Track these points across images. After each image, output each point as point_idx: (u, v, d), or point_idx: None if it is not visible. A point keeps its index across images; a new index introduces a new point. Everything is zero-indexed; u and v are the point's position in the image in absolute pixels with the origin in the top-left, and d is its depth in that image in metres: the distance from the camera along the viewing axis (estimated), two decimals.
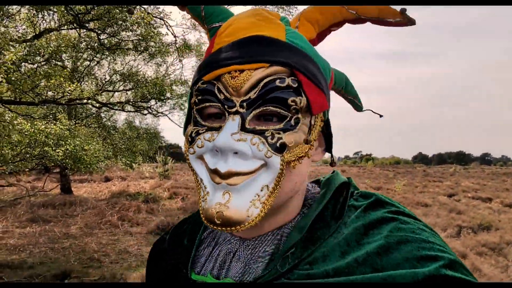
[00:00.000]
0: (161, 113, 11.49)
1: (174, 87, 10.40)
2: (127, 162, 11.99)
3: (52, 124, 6.11)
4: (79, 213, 9.12)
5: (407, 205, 10.82)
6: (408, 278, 0.49)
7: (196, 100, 0.58)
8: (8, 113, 5.77)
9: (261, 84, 0.54)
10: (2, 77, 4.76)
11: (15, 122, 5.37)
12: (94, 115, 11.87)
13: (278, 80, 0.54)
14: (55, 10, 6.67)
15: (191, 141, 0.58)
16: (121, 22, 7.71)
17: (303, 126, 0.56)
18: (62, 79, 6.23)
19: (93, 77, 11.28)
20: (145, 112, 11.41)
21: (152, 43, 8.73)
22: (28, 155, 5.87)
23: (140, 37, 8.38)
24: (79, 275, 4.89)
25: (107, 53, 8.96)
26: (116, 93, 12.12)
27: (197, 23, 0.70)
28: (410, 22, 0.62)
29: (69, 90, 6.41)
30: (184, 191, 12.66)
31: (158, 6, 8.10)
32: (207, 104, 0.57)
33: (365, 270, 0.52)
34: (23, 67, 6.07)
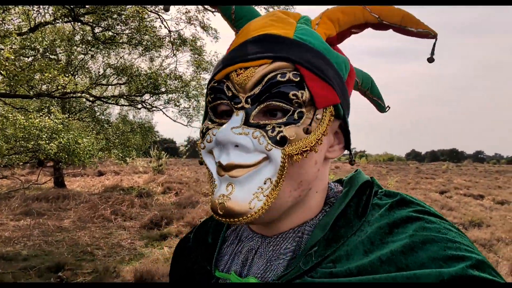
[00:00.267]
0: (155, 107, 11.46)
1: (168, 81, 10.37)
2: (121, 156, 11.99)
3: (46, 118, 6.12)
4: (72, 206, 9.15)
5: None
6: (433, 278, 0.48)
7: (210, 99, 0.61)
8: (2, 107, 5.77)
9: (265, 80, 0.55)
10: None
11: (10, 115, 5.38)
12: (87, 109, 11.84)
13: (279, 75, 0.55)
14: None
15: (202, 136, 0.61)
16: (116, 15, 7.70)
17: (307, 120, 0.56)
18: (56, 72, 6.23)
19: (87, 70, 11.25)
20: (139, 106, 11.38)
21: (147, 37, 8.71)
22: (22, 149, 5.88)
23: (134, 31, 8.36)
24: (73, 267, 4.93)
25: (101, 46, 8.94)
26: (110, 87, 12.08)
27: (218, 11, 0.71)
28: (432, 35, 0.62)
29: (63, 83, 6.41)
30: (178, 186, 12.69)
31: None
32: (219, 102, 0.59)
33: (389, 269, 0.51)
34: (18, 61, 6.06)
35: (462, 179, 20.97)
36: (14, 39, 5.39)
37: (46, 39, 6.70)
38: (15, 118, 5.42)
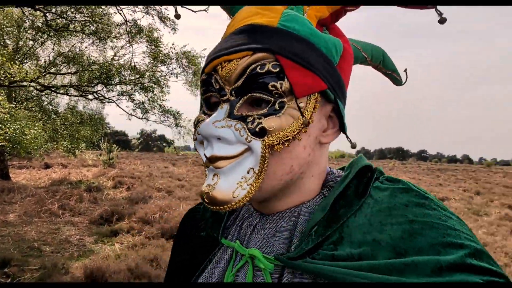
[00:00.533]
0: (108, 99, 11.12)
1: (123, 72, 10.09)
2: (69, 148, 11.55)
3: None
4: (18, 200, 8.69)
5: None
6: (431, 265, 0.49)
7: (202, 91, 0.63)
8: None
9: (247, 71, 0.56)
10: None
11: None
12: (34, 98, 11.29)
13: (259, 67, 0.56)
14: None
15: (194, 128, 0.63)
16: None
17: (290, 110, 0.56)
18: (4, 59, 5.94)
19: (35, 58, 10.71)
20: (91, 97, 11.01)
21: (101, 26, 8.45)
22: None
23: (88, 18, 8.08)
24: (19, 263, 4.74)
25: (52, 33, 8.55)
26: (58, 76, 11.57)
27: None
28: (431, 5, 0.62)
29: (12, 71, 6.12)
30: (129, 181, 12.39)
31: None
32: (209, 94, 0.61)
33: (388, 254, 0.52)
34: None
35: (407, 176, 22.14)
36: None
37: None
38: None
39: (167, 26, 9.65)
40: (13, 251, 5.33)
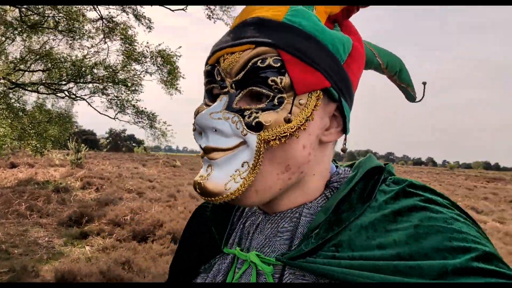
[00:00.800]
0: (80, 97, 10.83)
1: (95, 71, 9.86)
2: (37, 147, 11.19)
3: None
4: None
5: None
6: (436, 269, 0.48)
7: (204, 82, 0.62)
8: None
9: (248, 65, 0.56)
10: None
11: None
12: (1, 95, 10.88)
13: (260, 61, 0.55)
14: None
15: (194, 118, 0.62)
16: None
17: (288, 106, 0.55)
18: None
19: (4, 54, 10.32)
20: (62, 95, 10.70)
21: (77, 24, 8.25)
22: None
23: (61, 14, 7.86)
24: None
25: (23, 30, 8.28)
26: (26, 73, 11.19)
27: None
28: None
29: None
30: (98, 181, 12.15)
31: None
32: (211, 85, 0.61)
33: (391, 259, 0.51)
34: None
35: None
36: None
37: None
38: None
39: (142, 24, 9.54)
40: None
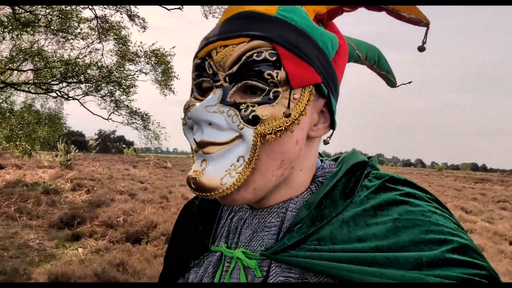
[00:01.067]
0: (72, 97, 10.66)
1: (88, 71, 9.73)
2: (26, 149, 11.03)
3: None
4: None
5: None
6: (412, 260, 0.50)
7: (194, 76, 0.61)
8: None
9: (243, 58, 0.55)
10: None
11: None
12: None
13: (255, 54, 0.55)
14: None
15: (184, 113, 0.61)
16: None
17: (284, 100, 0.56)
18: None
19: None
20: (54, 95, 10.54)
21: (69, 23, 8.13)
22: None
23: (56, 14, 7.75)
24: None
25: (15, 28, 8.13)
26: (14, 73, 11.01)
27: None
28: (424, 23, 0.63)
29: None
30: (89, 183, 12.01)
31: None
32: (201, 79, 0.60)
33: (370, 250, 0.53)
34: None
35: None
36: None
37: None
38: None
39: (136, 24, 9.46)
40: None
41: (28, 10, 7.51)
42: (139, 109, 10.65)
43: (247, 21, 0.57)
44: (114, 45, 9.88)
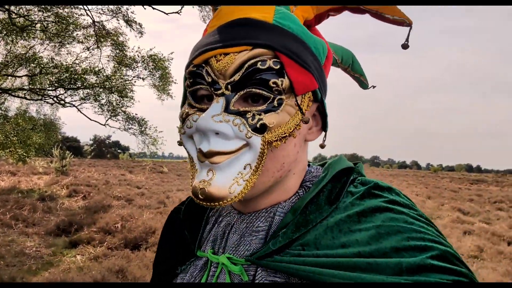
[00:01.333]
0: (69, 103, 10.56)
1: (86, 76, 9.66)
2: (21, 156, 10.92)
3: None
4: None
5: None
6: (392, 265, 0.50)
7: (188, 83, 0.60)
8: None
9: (245, 66, 0.55)
10: None
11: None
12: None
13: (259, 63, 0.55)
14: None
15: (182, 121, 0.61)
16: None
17: (287, 107, 0.57)
18: None
19: None
20: (51, 101, 10.45)
21: (65, 25, 8.07)
22: None
23: (52, 19, 7.69)
24: None
25: (6, 32, 8.06)
26: (9, 78, 10.92)
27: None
28: (407, 24, 0.65)
29: None
30: (85, 189, 11.89)
31: None
32: (198, 86, 0.59)
33: (352, 256, 0.53)
34: None
35: None
36: None
37: None
38: None
39: (133, 29, 9.42)
40: None
41: (23, 15, 7.45)
42: (136, 114, 10.62)
43: (246, 29, 0.57)
44: (112, 51, 9.84)
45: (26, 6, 7.21)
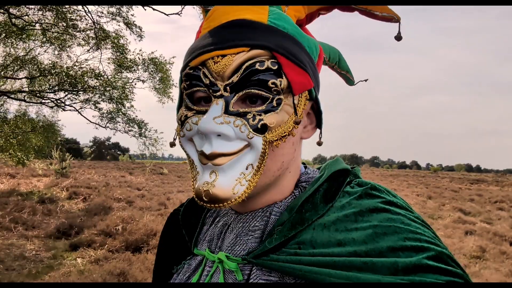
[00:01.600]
0: (70, 105, 10.51)
1: (86, 79, 9.64)
2: (20, 158, 10.88)
3: None
4: None
5: None
6: (388, 265, 0.51)
7: (185, 85, 0.60)
8: None
9: (243, 67, 0.55)
10: None
11: None
12: None
13: (258, 64, 0.55)
14: None
15: (181, 124, 0.61)
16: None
17: (285, 107, 0.58)
18: None
19: None
20: (51, 104, 10.41)
21: (64, 24, 8.03)
22: None
23: (51, 19, 7.65)
24: None
25: (5, 34, 8.02)
26: (8, 81, 10.89)
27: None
28: (395, 20, 0.67)
29: None
30: (86, 191, 11.85)
31: None
32: (195, 88, 0.59)
33: (348, 255, 0.54)
34: None
35: None
36: None
37: None
38: None
39: (133, 33, 9.39)
40: None
41: (23, 15, 7.42)
42: (136, 116, 10.60)
43: (242, 30, 0.57)
44: (112, 53, 9.81)
45: (26, 7, 7.18)
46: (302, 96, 0.60)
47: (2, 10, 7.36)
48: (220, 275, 0.62)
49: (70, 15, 7.83)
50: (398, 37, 0.68)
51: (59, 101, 10.27)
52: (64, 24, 7.83)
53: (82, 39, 8.96)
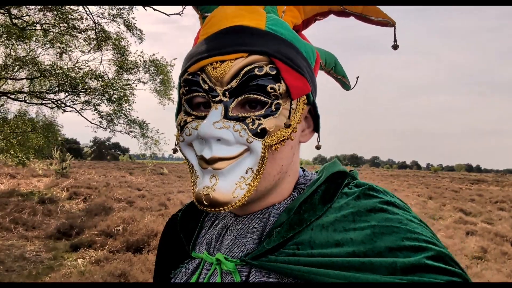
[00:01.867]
0: (70, 106, 10.49)
1: (87, 80, 9.62)
2: (20, 158, 10.86)
3: None
4: None
5: None
6: (386, 265, 0.51)
7: (184, 91, 0.61)
8: None
9: (242, 73, 0.56)
10: None
11: None
12: None
13: (256, 69, 0.56)
14: None
15: (180, 129, 0.62)
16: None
17: (284, 111, 0.58)
18: None
19: None
20: (52, 105, 10.40)
21: (66, 25, 8.02)
22: None
23: (52, 19, 7.64)
24: None
25: (6, 35, 8.00)
26: (9, 81, 10.87)
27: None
28: (391, 24, 0.67)
29: None
30: (86, 191, 11.83)
31: None
32: (194, 94, 0.60)
33: (346, 255, 0.54)
34: None
35: None
36: None
37: None
38: None
39: (133, 35, 9.38)
40: None
41: (24, 15, 7.40)
42: (137, 117, 10.60)
43: (240, 36, 0.58)
44: (113, 55, 9.79)
45: (27, 7, 7.17)
46: (300, 100, 0.61)
47: (2, 11, 7.35)
48: (217, 277, 0.62)
49: (71, 16, 7.80)
50: (395, 46, 0.68)
51: (59, 102, 10.25)
52: (66, 25, 7.81)
53: (83, 39, 8.95)
